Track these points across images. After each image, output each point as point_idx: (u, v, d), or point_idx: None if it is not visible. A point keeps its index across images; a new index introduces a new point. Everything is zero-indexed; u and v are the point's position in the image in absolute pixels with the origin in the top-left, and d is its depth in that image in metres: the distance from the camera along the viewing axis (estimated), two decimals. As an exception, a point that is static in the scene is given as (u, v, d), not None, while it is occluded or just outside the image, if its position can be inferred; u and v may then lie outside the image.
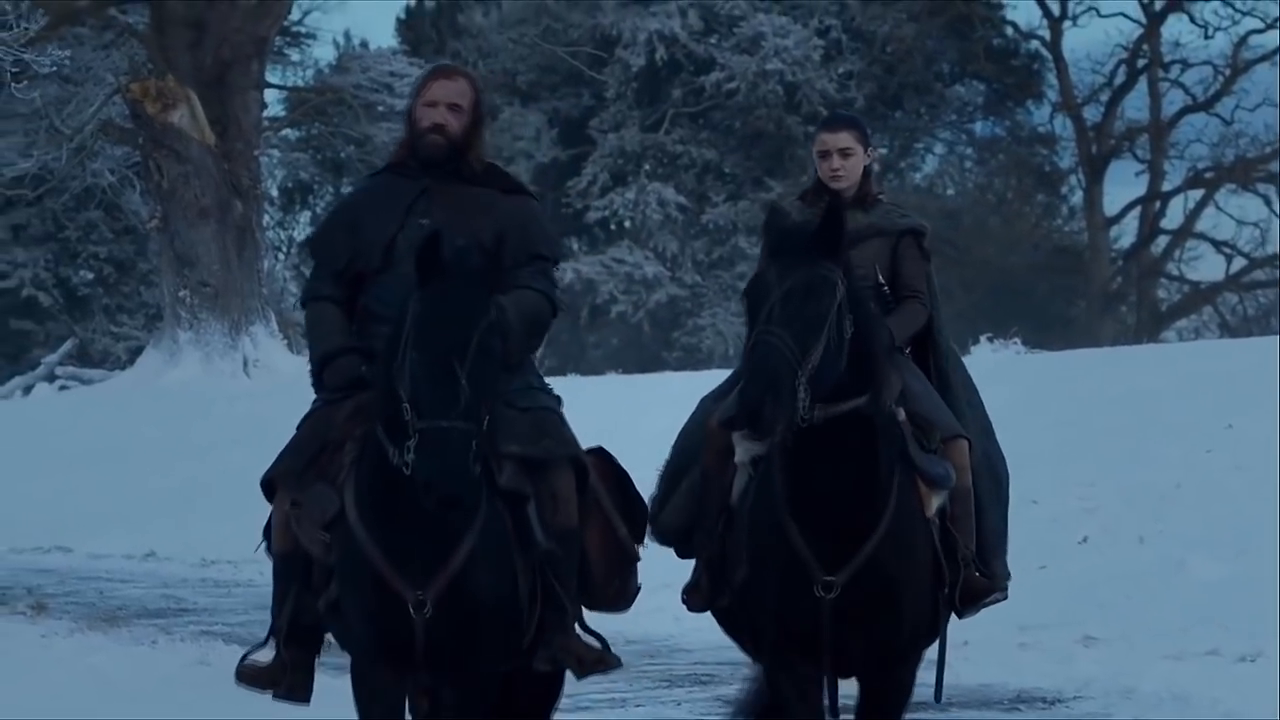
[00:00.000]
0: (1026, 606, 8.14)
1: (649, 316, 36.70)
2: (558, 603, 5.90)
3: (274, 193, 37.27)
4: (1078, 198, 40.03)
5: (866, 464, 5.93)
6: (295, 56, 38.08)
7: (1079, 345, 26.95)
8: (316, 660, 6.04)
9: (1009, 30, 39.54)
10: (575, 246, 37.16)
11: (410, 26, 39.67)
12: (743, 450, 6.14)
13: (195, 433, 19.97)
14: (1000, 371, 15.81)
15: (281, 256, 37.88)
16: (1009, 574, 6.46)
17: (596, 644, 5.99)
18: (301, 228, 38.17)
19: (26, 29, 16.31)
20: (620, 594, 6.19)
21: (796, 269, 5.82)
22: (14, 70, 17.36)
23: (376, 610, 5.70)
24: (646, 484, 6.39)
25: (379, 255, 6.09)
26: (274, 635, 6.01)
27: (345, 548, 5.75)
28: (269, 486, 6.04)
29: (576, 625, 5.98)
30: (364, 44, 38.38)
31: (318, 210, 37.76)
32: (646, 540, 6.32)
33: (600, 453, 6.24)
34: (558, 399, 6.20)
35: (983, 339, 25.45)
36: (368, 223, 6.15)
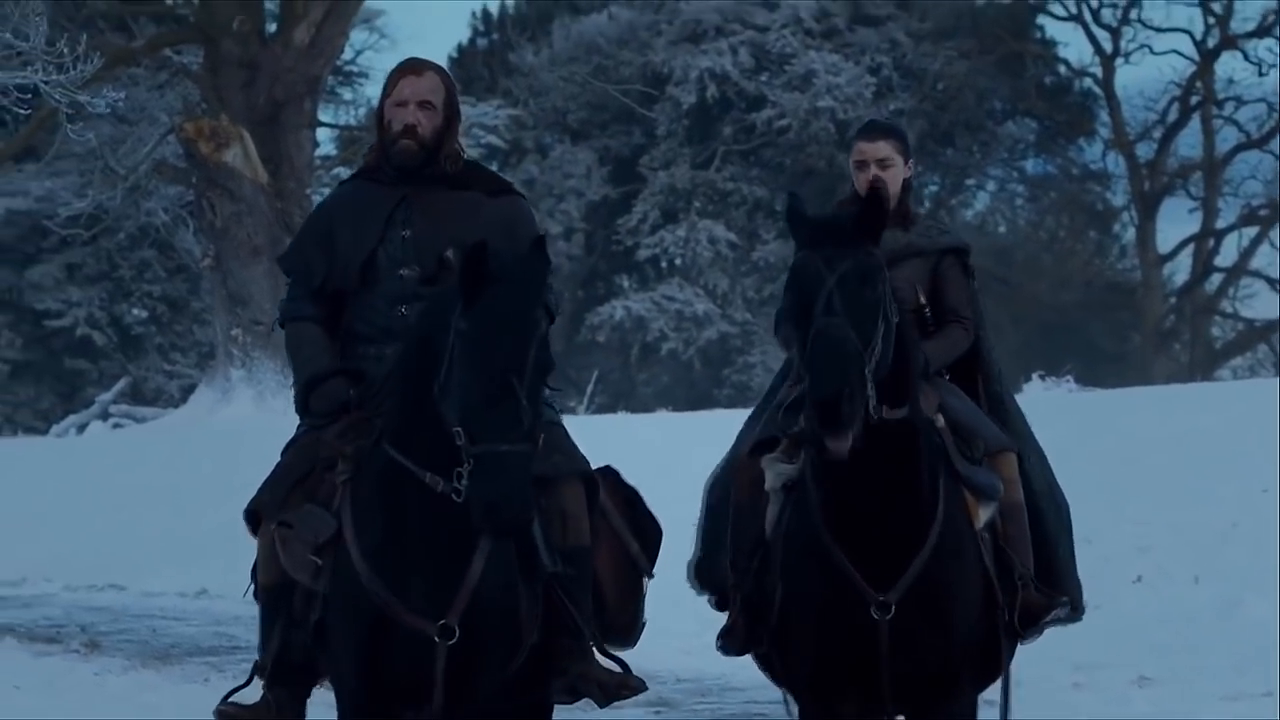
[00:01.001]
0: (1080, 646, 8.10)
1: (699, 354, 36.70)
2: (572, 627, 5.55)
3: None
4: (1130, 235, 39.88)
5: (910, 474, 5.58)
6: (347, 95, 38.35)
7: (1132, 383, 26.85)
8: (307, 701, 5.61)
9: (1061, 68, 39.51)
10: (625, 284, 37.20)
11: (462, 65, 39.85)
12: (773, 475, 5.81)
13: (247, 470, 19.98)
14: (1053, 409, 15.75)
15: (333, 295, 37.99)
16: (1083, 603, 6.16)
17: (616, 667, 5.62)
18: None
19: (83, 70, 16.45)
20: (631, 625, 5.81)
21: (845, 255, 5.49)
22: (70, 111, 17.51)
23: (378, 645, 5.31)
24: (695, 521, 6.24)
25: (357, 272, 5.73)
26: (258, 674, 5.60)
27: (341, 576, 5.36)
28: (253, 518, 5.64)
29: (594, 649, 5.61)
30: (416, 83, 38.51)
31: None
32: (692, 582, 6.04)
33: (608, 472, 5.89)
34: (558, 413, 5.89)
35: (1035, 376, 25.38)
36: (344, 237, 5.76)
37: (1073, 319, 38.37)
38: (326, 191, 39.42)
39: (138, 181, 30.87)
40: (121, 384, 31.99)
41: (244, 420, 25.65)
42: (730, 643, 5.90)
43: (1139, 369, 36.22)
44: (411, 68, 5.91)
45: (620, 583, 5.80)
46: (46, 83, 16.50)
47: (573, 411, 29.25)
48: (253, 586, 5.66)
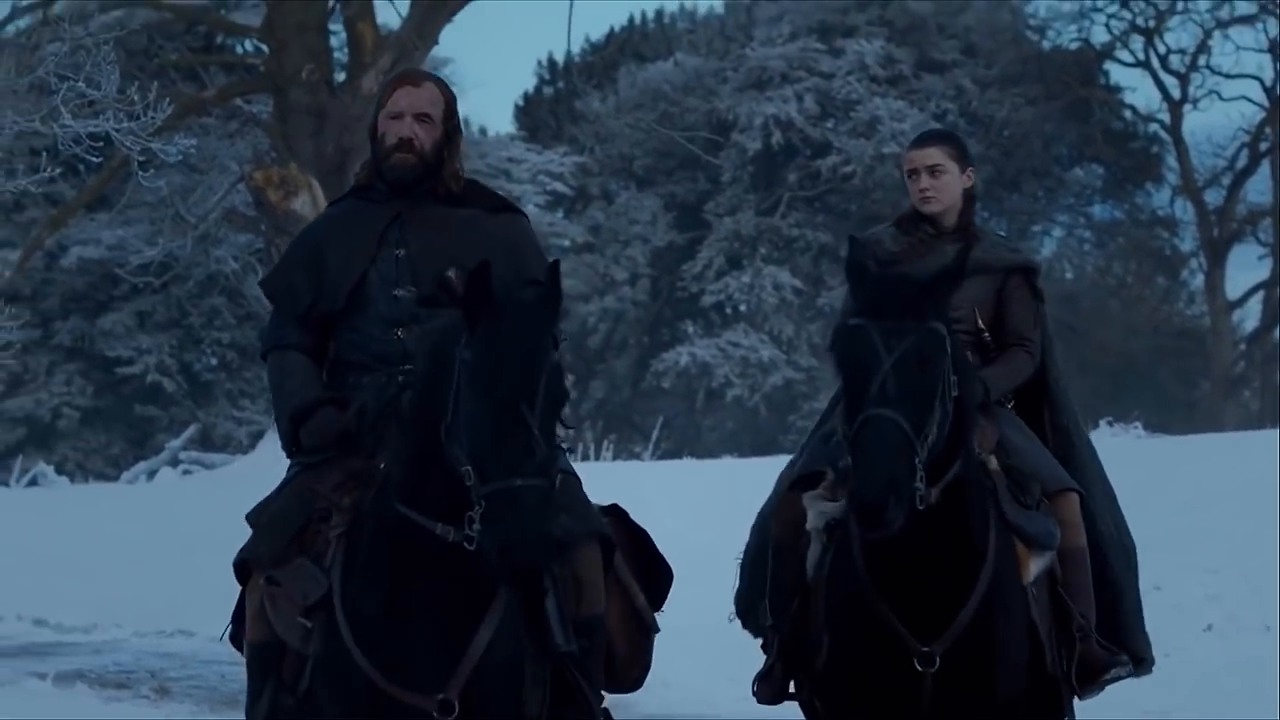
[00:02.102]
0: (1149, 695, 8.03)
1: (765, 400, 36.65)
2: (582, 701, 5.07)
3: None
4: (1199, 281, 39.63)
5: (958, 523, 5.18)
6: (415, 143, 38.51)
7: (1201, 430, 26.63)
8: None
9: (1128, 114, 39.36)
10: (691, 330, 37.19)
11: (528, 113, 40.05)
12: (815, 515, 5.45)
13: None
14: (1122, 455, 15.61)
15: (400, 341, 38.14)
16: (1152, 656, 5.80)
17: None
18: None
19: (154, 119, 16.59)
20: (639, 677, 5.39)
21: (905, 332, 5.03)
22: (141, 159, 17.67)
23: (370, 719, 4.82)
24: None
25: (345, 295, 5.24)
26: None
27: (330, 642, 4.88)
28: (243, 569, 5.19)
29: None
30: (483, 130, 38.78)
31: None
32: (731, 618, 5.69)
33: (616, 511, 5.43)
34: (568, 459, 5.33)
35: (1103, 422, 25.21)
36: (332, 258, 5.26)
37: (1141, 365, 38.13)
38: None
39: (208, 229, 31.10)
40: (191, 430, 32.17)
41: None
42: (765, 689, 5.59)
43: (1208, 415, 35.94)
44: (408, 78, 5.48)
45: (629, 636, 5.34)
46: (118, 131, 16.66)
47: (638, 457, 29.22)
48: (229, 629, 5.37)
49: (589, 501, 5.25)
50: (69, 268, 34.26)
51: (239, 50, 32.05)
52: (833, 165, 36.84)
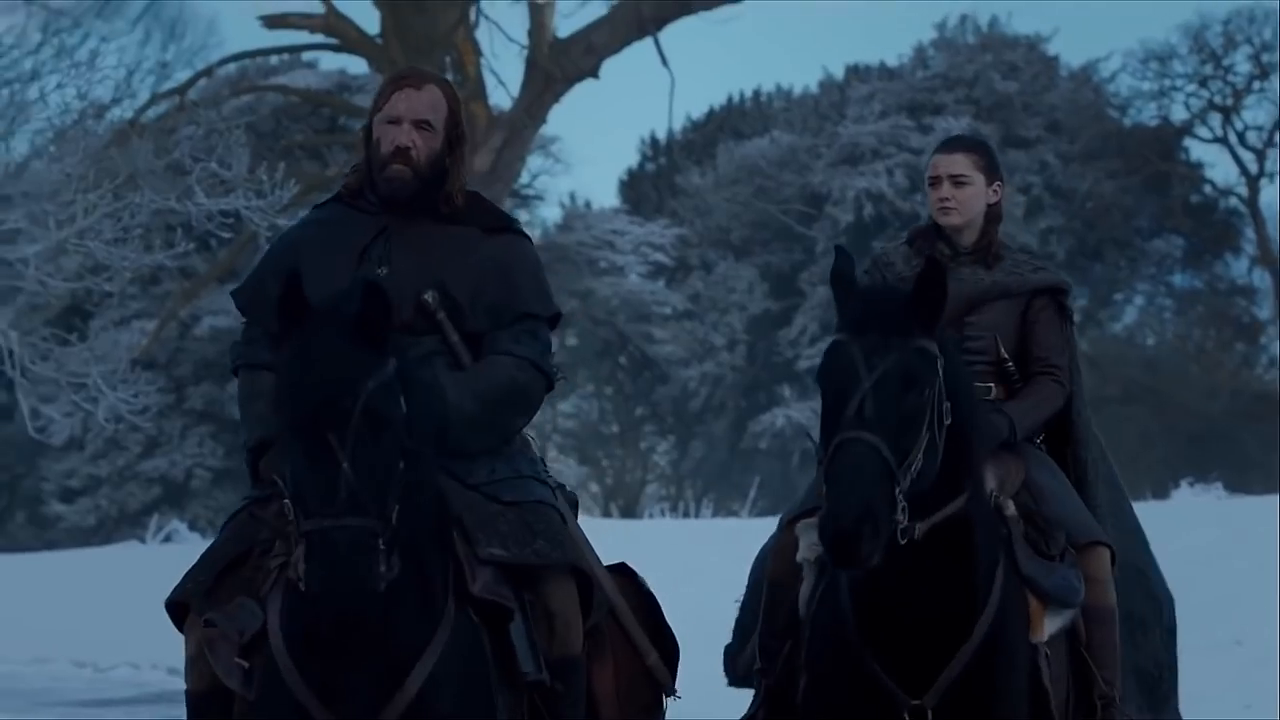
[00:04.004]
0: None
1: (858, 461, 36.42)
2: None
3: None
4: (1276, 347, 39.20)
5: (955, 565, 4.48)
6: (524, 216, 38.79)
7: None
8: None
9: (1207, 187, 39.07)
10: (786, 393, 37.12)
11: (631, 187, 40.22)
12: (806, 544, 4.76)
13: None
14: (1202, 514, 15.48)
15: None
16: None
17: None
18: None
19: (280, 196, 16.85)
20: None
21: (888, 349, 4.35)
22: (268, 234, 17.92)
23: None
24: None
25: None
26: None
27: (268, 680, 4.26)
28: (177, 611, 4.49)
29: None
30: (588, 204, 39.00)
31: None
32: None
33: (623, 570, 4.79)
34: (558, 490, 4.71)
35: (1184, 482, 24.93)
36: (310, 271, 4.40)
37: (1221, 428, 37.68)
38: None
39: (330, 299, 31.36)
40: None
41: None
42: None
43: (1287, 476, 35.43)
44: (409, 79, 4.68)
45: (633, 700, 4.64)
46: (248, 208, 16.92)
47: (736, 515, 29.15)
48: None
49: (569, 535, 4.57)
50: (201, 336, 34.69)
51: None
52: (922, 236, 36.71)
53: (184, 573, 4.53)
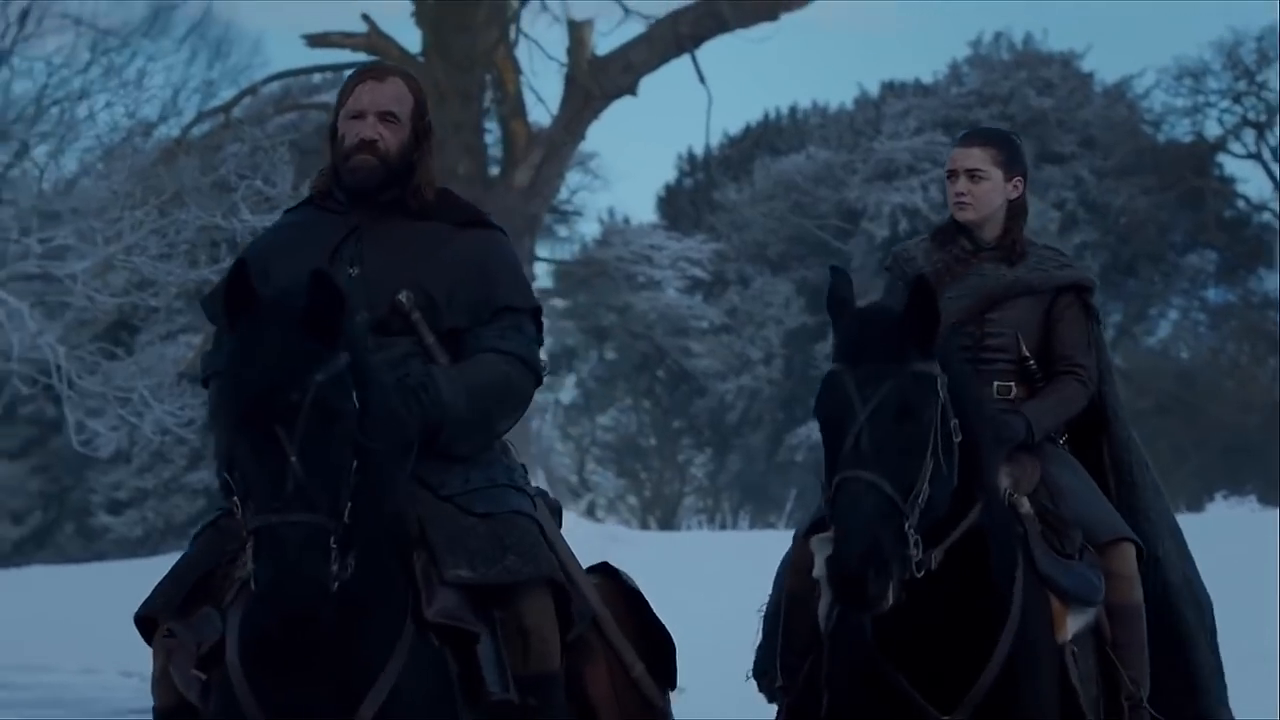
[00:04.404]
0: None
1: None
2: None
3: (542, 358, 37.76)
4: (1310, 360, 38.95)
5: (975, 575, 4.29)
6: (563, 232, 38.88)
7: (1314, 502, 26.09)
8: None
9: (1240, 203, 38.90)
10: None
11: (669, 202, 40.23)
12: (822, 561, 4.48)
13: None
14: (1236, 527, 15.38)
15: (548, 417, 38.38)
16: None
17: None
18: (567, 391, 38.67)
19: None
20: None
21: (883, 378, 4.11)
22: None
23: None
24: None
25: None
26: None
27: (224, 693, 4.04)
28: (146, 625, 4.31)
29: None
30: (626, 220, 39.03)
31: (583, 374, 38.26)
32: (748, 677, 4.78)
33: (605, 570, 4.60)
34: (537, 499, 4.44)
35: (1218, 495, 24.81)
36: (279, 275, 4.22)
37: (1254, 441, 37.47)
38: (544, 323, 40.36)
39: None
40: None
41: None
42: None
43: (1321, 489, 35.23)
44: (372, 72, 4.52)
45: (625, 711, 4.42)
46: (291, 224, 16.96)
47: (773, 526, 29.11)
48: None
49: (544, 545, 4.32)
50: (244, 349, 34.74)
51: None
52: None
53: (154, 586, 4.35)
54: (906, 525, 4.07)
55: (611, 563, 4.67)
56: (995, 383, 4.84)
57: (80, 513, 35.81)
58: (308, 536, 3.74)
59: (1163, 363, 36.95)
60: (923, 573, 4.12)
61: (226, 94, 29.11)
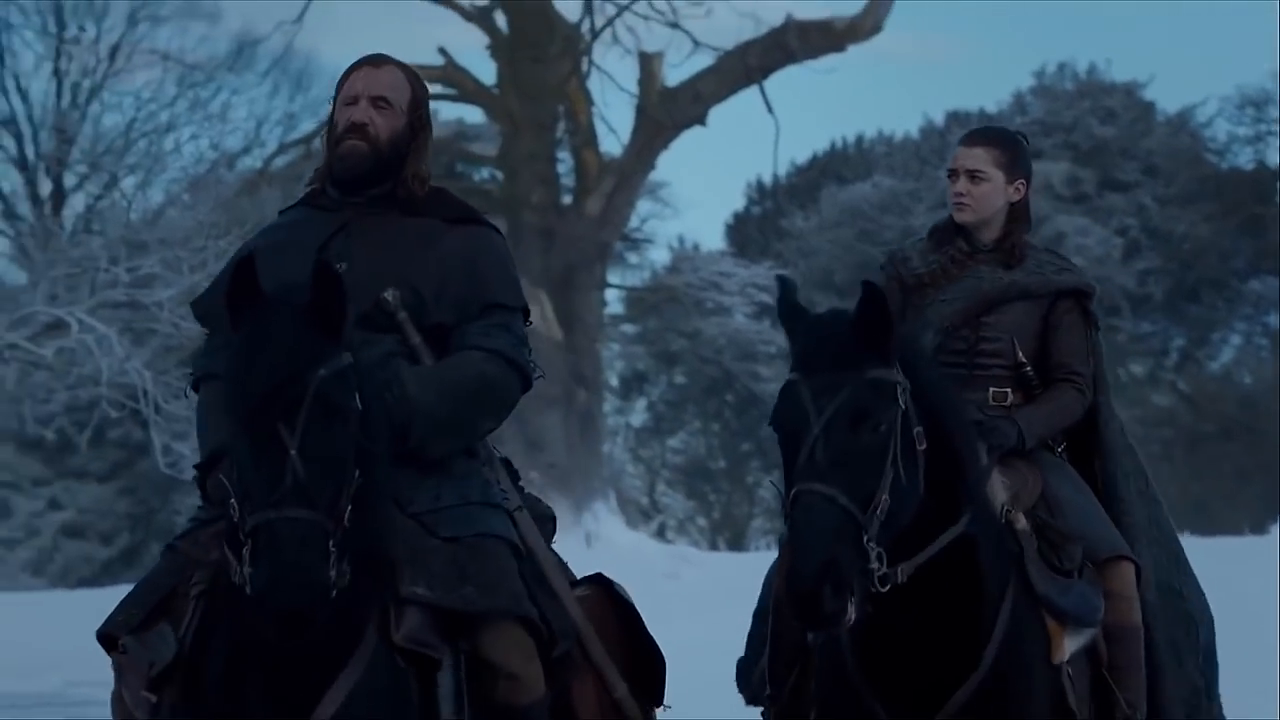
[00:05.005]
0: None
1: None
2: None
3: (613, 382, 38.02)
4: (1373, 384, 38.49)
5: (960, 592, 4.03)
6: (634, 259, 38.92)
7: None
8: None
9: (1302, 227, 38.54)
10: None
11: (738, 230, 40.23)
12: None
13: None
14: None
15: (620, 440, 38.43)
16: None
17: None
18: (638, 414, 38.72)
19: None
20: None
21: (838, 387, 3.86)
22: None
23: None
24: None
25: None
26: None
27: (179, 714, 3.83)
28: (107, 643, 4.02)
29: None
30: (695, 247, 39.05)
31: (653, 398, 38.29)
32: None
33: (599, 581, 4.29)
34: (519, 511, 4.14)
35: (1281, 520, 24.55)
36: (267, 275, 3.90)
37: (1318, 465, 37.08)
38: (615, 346, 40.22)
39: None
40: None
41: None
42: None
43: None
44: (369, 60, 4.25)
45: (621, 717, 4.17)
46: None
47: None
48: None
49: (512, 572, 4.00)
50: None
51: (476, 177, 32.73)
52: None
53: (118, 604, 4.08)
54: (865, 539, 3.80)
55: (605, 573, 4.38)
56: (990, 388, 4.60)
57: (166, 534, 36.05)
58: (307, 533, 3.54)
59: (1226, 388, 36.59)
60: (888, 587, 3.85)
61: (307, 126, 29.36)
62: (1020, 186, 4.65)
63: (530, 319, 4.26)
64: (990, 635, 4.08)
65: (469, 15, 30.76)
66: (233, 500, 3.64)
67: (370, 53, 4.28)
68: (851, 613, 3.78)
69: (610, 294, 33.74)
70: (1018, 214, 4.66)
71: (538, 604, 4.00)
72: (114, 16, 27.71)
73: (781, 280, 4.21)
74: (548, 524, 4.28)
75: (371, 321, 4.07)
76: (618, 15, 30.51)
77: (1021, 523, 4.29)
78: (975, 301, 4.61)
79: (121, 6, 27.29)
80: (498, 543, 4.02)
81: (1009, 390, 4.61)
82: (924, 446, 3.93)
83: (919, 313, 4.64)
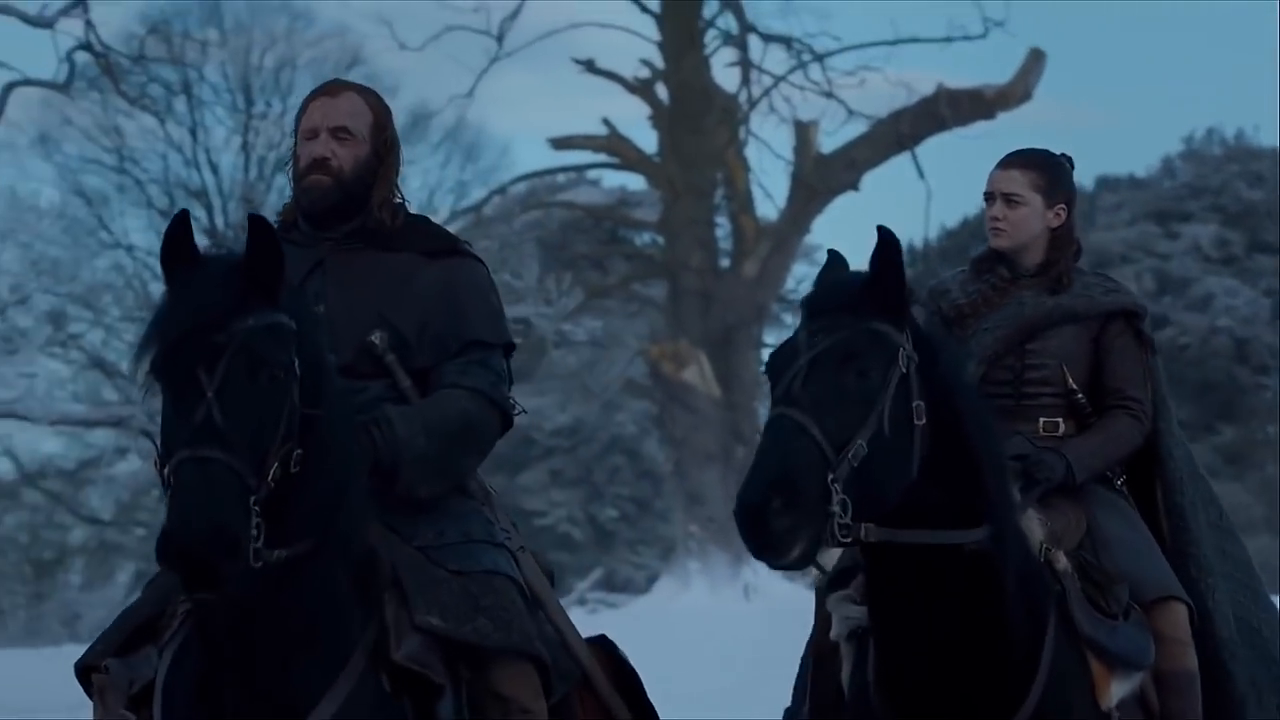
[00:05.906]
0: None
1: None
2: None
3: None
4: None
5: (986, 629, 3.62)
6: (789, 320, 38.81)
7: None
8: None
9: None
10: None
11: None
12: (839, 621, 3.94)
13: (704, 652, 20.19)
14: None
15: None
16: None
17: None
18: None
19: (565, 304, 17.18)
20: None
21: (835, 328, 3.59)
22: (555, 339, 18.26)
23: None
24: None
25: None
26: None
27: None
28: (84, 675, 3.77)
29: None
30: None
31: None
32: None
33: (603, 643, 4.11)
34: (520, 553, 3.94)
35: None
36: None
37: None
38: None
39: (610, 398, 31.79)
40: (596, 574, 32.69)
41: (700, 606, 25.87)
42: None
43: None
44: (326, 89, 3.94)
45: None
46: (537, 314, 17.25)
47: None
48: None
49: (522, 612, 3.79)
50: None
51: (638, 242, 32.92)
52: (1169, 337, 35.82)
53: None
54: (830, 478, 3.44)
55: (609, 636, 4.17)
56: (1040, 418, 4.18)
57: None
58: (218, 474, 3.26)
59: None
60: (850, 540, 3.48)
61: (478, 194, 29.72)
62: (1061, 211, 4.29)
63: (512, 355, 4.05)
64: (1031, 681, 3.69)
65: (632, 87, 31.02)
66: (157, 457, 3.38)
67: (326, 82, 4.02)
68: (800, 550, 3.41)
69: (766, 354, 33.70)
70: (1060, 240, 4.29)
71: (545, 644, 3.82)
72: (298, 93, 28.34)
73: (831, 253, 3.84)
74: (546, 578, 4.09)
75: (358, 366, 3.83)
76: (774, 86, 30.60)
77: (1062, 562, 3.89)
78: (1018, 327, 4.23)
79: (305, 83, 27.90)
80: (506, 580, 3.82)
81: (1060, 420, 4.20)
82: (922, 422, 3.59)
83: (962, 345, 4.23)
